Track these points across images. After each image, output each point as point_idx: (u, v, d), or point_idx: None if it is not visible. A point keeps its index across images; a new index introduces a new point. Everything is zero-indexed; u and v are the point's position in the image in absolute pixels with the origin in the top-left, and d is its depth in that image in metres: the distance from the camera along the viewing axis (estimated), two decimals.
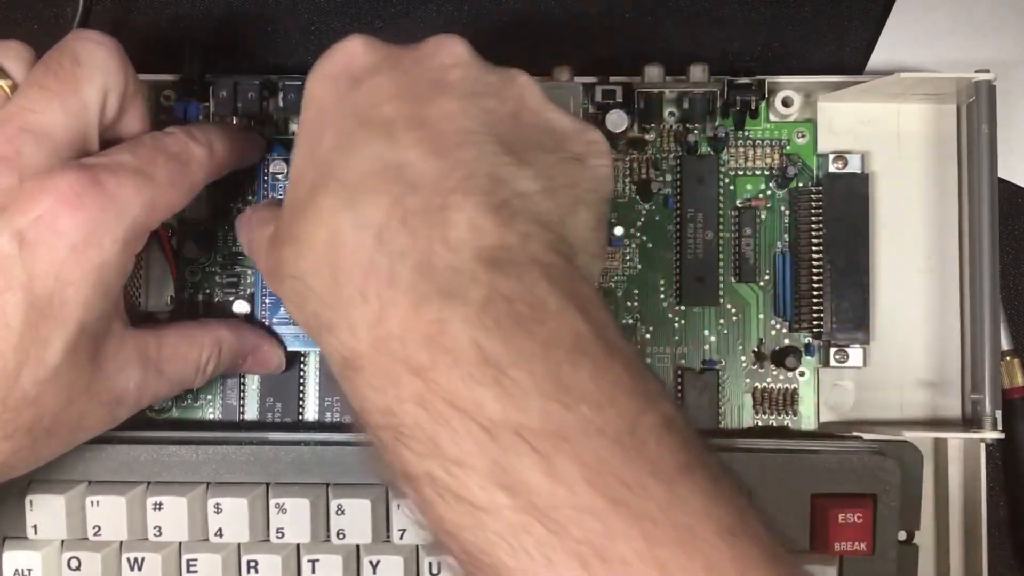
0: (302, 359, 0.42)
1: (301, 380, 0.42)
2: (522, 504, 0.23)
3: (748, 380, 0.41)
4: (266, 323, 0.41)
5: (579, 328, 0.25)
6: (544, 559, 0.23)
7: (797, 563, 0.25)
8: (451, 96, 0.28)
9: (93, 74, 0.32)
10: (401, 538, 0.37)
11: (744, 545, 0.24)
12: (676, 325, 0.42)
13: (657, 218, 0.42)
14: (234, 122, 0.41)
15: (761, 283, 0.42)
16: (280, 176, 0.42)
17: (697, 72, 0.40)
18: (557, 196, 0.28)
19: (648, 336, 0.42)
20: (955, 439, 0.41)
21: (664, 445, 0.24)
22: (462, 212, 0.26)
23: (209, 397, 0.42)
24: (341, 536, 0.37)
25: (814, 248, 0.41)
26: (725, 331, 0.42)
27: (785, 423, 0.41)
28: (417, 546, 0.37)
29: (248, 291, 0.42)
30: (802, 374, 0.41)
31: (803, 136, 0.42)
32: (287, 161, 0.41)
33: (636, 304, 0.42)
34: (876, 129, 0.42)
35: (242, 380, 0.42)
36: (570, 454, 0.23)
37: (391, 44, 0.31)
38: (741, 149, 0.42)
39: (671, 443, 0.24)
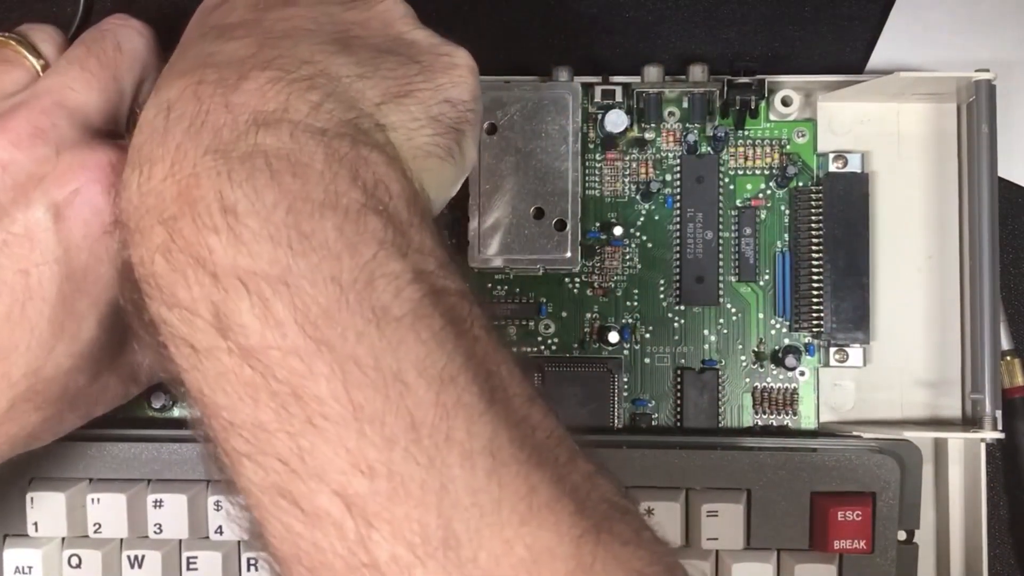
0: None
1: None
2: (234, 346, 0.23)
3: (748, 380, 0.42)
4: None
5: (340, 187, 0.25)
6: (250, 400, 0.23)
7: (534, 400, 0.25)
8: (296, 6, 0.29)
9: (133, 63, 0.33)
10: None
11: (454, 390, 0.23)
12: (676, 325, 0.42)
13: (657, 218, 0.42)
14: None
15: (761, 283, 0.42)
16: None
17: (697, 72, 0.41)
18: (376, 83, 0.28)
19: (648, 336, 0.42)
20: (955, 439, 0.41)
21: (399, 293, 0.24)
22: (254, 82, 0.26)
23: None
24: None
25: (814, 248, 0.41)
26: (725, 331, 0.42)
27: (785, 423, 0.41)
28: None
29: None
30: (802, 374, 0.41)
31: (803, 136, 0.42)
32: None
33: (636, 304, 0.42)
34: (876, 129, 0.42)
35: None
36: (286, 298, 0.23)
37: None
38: (741, 149, 0.42)
39: (410, 293, 0.24)
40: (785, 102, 0.41)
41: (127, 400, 0.35)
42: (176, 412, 0.42)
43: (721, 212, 0.42)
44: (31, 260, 0.29)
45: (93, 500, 0.37)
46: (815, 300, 0.41)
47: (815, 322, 0.41)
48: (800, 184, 0.42)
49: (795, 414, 0.41)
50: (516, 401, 0.25)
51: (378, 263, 0.24)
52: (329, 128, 0.26)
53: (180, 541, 0.37)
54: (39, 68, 0.33)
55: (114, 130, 0.32)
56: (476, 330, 0.25)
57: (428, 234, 0.26)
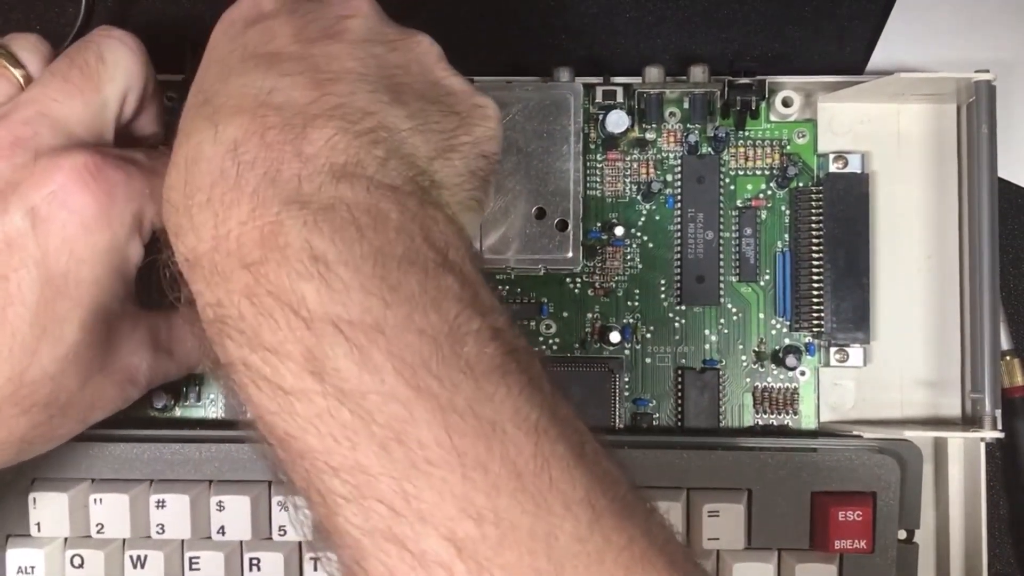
0: None
1: None
2: (331, 390, 0.24)
3: (748, 380, 0.42)
4: None
5: (417, 244, 0.26)
6: (348, 442, 0.24)
7: (609, 457, 0.26)
8: (341, 41, 0.29)
9: (116, 73, 0.33)
10: None
11: (548, 442, 0.24)
12: (676, 325, 0.42)
13: (658, 218, 0.42)
14: None
15: (761, 283, 0.42)
16: None
17: (697, 72, 0.41)
18: (428, 137, 0.29)
19: (648, 336, 0.42)
20: (955, 439, 0.41)
21: (484, 349, 0.25)
22: (322, 131, 0.26)
23: (211, 396, 0.42)
24: None
25: (814, 248, 0.41)
26: (725, 331, 0.42)
27: (785, 422, 0.41)
28: None
29: None
30: (802, 374, 0.42)
31: (803, 136, 0.42)
32: None
33: (636, 304, 0.42)
34: (876, 129, 0.42)
35: None
36: (383, 346, 0.24)
37: None
38: (741, 149, 0.42)
39: (493, 349, 0.25)
40: (785, 103, 0.41)
41: (127, 404, 0.35)
42: (178, 412, 0.42)
43: (722, 212, 0.42)
44: (10, 265, 0.30)
45: (95, 500, 0.37)
46: (815, 300, 0.41)
47: (815, 322, 0.41)
48: (800, 184, 0.42)
49: (795, 414, 0.41)
50: (597, 455, 0.25)
51: (462, 320, 0.25)
52: (399, 185, 0.27)
53: (183, 541, 0.37)
54: (21, 80, 0.32)
55: (97, 141, 0.32)
56: (548, 386, 0.26)
57: (490, 291, 0.27)
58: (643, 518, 0.25)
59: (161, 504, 0.37)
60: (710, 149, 0.42)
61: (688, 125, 0.42)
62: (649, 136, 0.42)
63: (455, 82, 0.31)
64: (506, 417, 0.24)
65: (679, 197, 0.42)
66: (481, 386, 0.24)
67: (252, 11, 0.30)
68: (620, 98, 0.41)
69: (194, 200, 0.26)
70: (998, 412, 0.39)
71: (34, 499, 0.37)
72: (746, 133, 0.42)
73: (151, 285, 0.30)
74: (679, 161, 0.42)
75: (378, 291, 0.24)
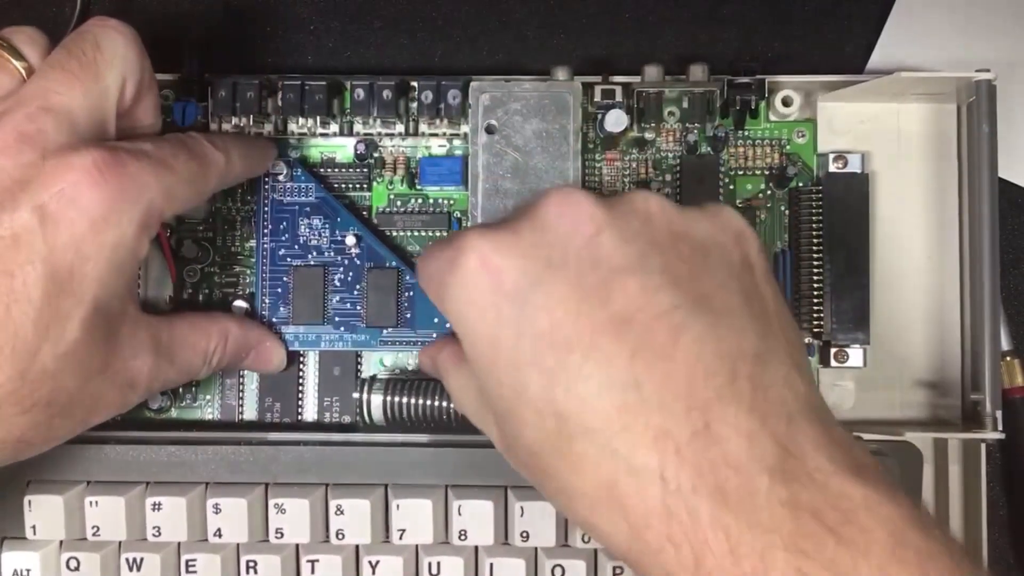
0: (301, 359, 0.42)
1: (300, 380, 0.42)
2: None
3: None
4: (265, 323, 0.41)
5: (888, 512, 0.24)
6: None
7: None
8: (627, 278, 0.27)
9: (113, 60, 0.32)
10: (401, 538, 0.37)
11: None
12: None
13: None
14: (233, 122, 0.41)
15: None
16: (281, 177, 0.41)
17: (697, 72, 0.40)
18: (772, 339, 0.27)
19: None
20: (955, 439, 0.41)
21: None
22: (726, 424, 0.25)
23: (208, 397, 0.42)
24: (340, 536, 0.37)
25: (814, 248, 0.41)
26: None
27: None
28: (417, 546, 0.37)
29: (247, 290, 0.42)
30: None
31: (803, 136, 0.42)
32: (288, 163, 0.41)
33: None
34: (876, 129, 0.42)
35: (241, 380, 0.42)
36: None
37: (510, 229, 0.28)
38: (741, 149, 0.42)
39: None
40: (785, 102, 0.41)
41: (126, 408, 0.34)
42: (174, 413, 0.42)
43: None
44: (16, 261, 0.29)
45: (91, 503, 0.37)
46: (815, 300, 0.41)
47: (815, 322, 0.41)
48: (800, 184, 0.42)
49: None
50: None
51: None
52: (817, 439, 0.26)
53: (179, 544, 0.37)
54: (23, 72, 0.32)
55: (101, 129, 0.32)
56: None
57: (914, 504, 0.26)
58: None
59: (157, 507, 0.37)
60: (709, 149, 0.42)
61: (687, 124, 0.41)
62: (648, 135, 0.42)
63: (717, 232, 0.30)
64: None
65: (679, 197, 0.42)
66: None
67: (499, 283, 0.28)
68: (619, 97, 0.41)
69: (650, 543, 0.25)
70: (998, 412, 0.39)
71: (29, 501, 0.37)
72: (745, 133, 0.42)
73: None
74: (678, 161, 0.42)
75: None
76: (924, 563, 0.24)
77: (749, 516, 0.24)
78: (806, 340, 0.41)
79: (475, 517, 0.37)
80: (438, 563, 0.37)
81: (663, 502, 0.25)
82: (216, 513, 0.37)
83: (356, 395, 0.40)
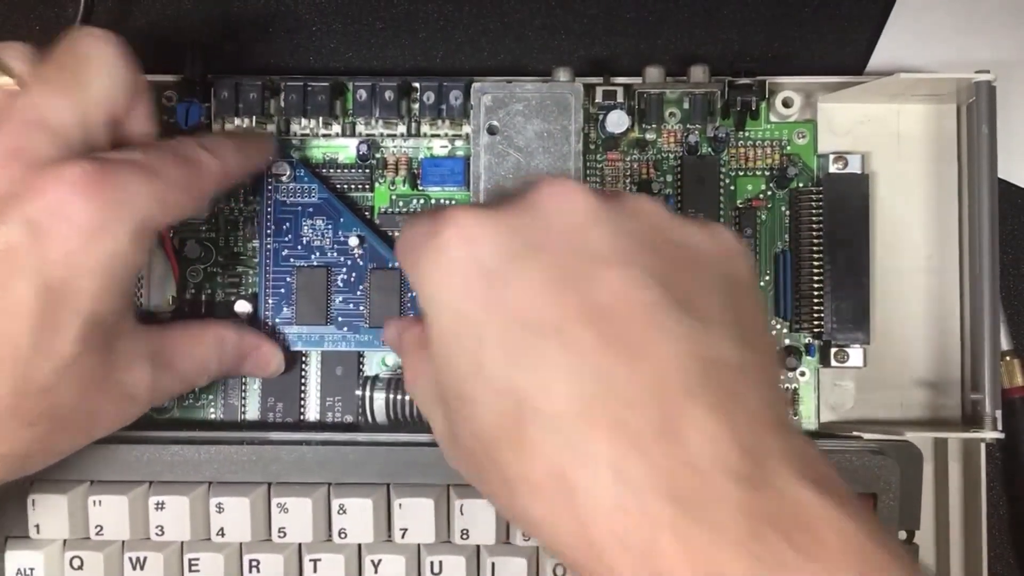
0: (303, 359, 0.42)
1: (302, 380, 0.42)
2: None
3: None
4: (268, 323, 0.41)
5: (844, 524, 0.24)
6: None
7: None
8: (610, 269, 0.26)
9: (101, 71, 0.32)
10: (403, 537, 0.37)
11: None
12: None
13: None
14: (236, 123, 0.41)
15: (761, 283, 0.42)
16: (283, 178, 0.42)
17: (697, 73, 0.41)
18: (748, 341, 0.27)
19: None
20: (955, 439, 0.41)
21: None
22: (692, 426, 0.24)
23: (211, 397, 0.42)
24: (343, 535, 0.37)
25: (814, 248, 0.41)
26: None
27: None
28: (419, 545, 0.38)
29: (250, 291, 0.42)
30: (802, 374, 0.42)
31: (803, 136, 0.42)
32: (291, 163, 0.42)
33: None
34: (876, 129, 0.43)
35: (243, 380, 0.42)
36: None
37: (497, 208, 0.28)
38: (741, 149, 0.42)
39: None
40: (786, 103, 0.41)
41: (129, 421, 0.34)
42: (176, 413, 0.42)
43: (722, 213, 0.42)
44: (10, 275, 0.29)
45: (95, 502, 0.37)
46: (815, 300, 0.41)
47: (815, 322, 0.41)
48: (800, 185, 0.42)
49: (795, 414, 0.41)
50: None
51: None
52: (778, 445, 0.25)
53: (182, 543, 0.37)
54: (12, 87, 0.32)
55: (91, 141, 0.32)
56: None
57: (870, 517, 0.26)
58: None
59: (160, 506, 0.37)
60: (710, 149, 0.42)
61: (688, 125, 0.42)
62: (649, 136, 0.42)
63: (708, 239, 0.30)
64: None
65: (679, 197, 0.42)
66: None
67: (475, 257, 0.27)
68: (620, 98, 0.41)
69: (596, 544, 0.24)
70: (998, 412, 0.39)
71: (33, 501, 0.37)
72: (746, 133, 0.42)
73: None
74: (679, 161, 0.42)
75: None
76: (873, 574, 0.23)
77: (705, 518, 0.23)
78: (806, 340, 0.42)
79: (477, 516, 0.37)
80: (440, 562, 0.37)
81: (615, 497, 0.24)
82: (219, 512, 0.37)
83: (359, 392, 0.40)
